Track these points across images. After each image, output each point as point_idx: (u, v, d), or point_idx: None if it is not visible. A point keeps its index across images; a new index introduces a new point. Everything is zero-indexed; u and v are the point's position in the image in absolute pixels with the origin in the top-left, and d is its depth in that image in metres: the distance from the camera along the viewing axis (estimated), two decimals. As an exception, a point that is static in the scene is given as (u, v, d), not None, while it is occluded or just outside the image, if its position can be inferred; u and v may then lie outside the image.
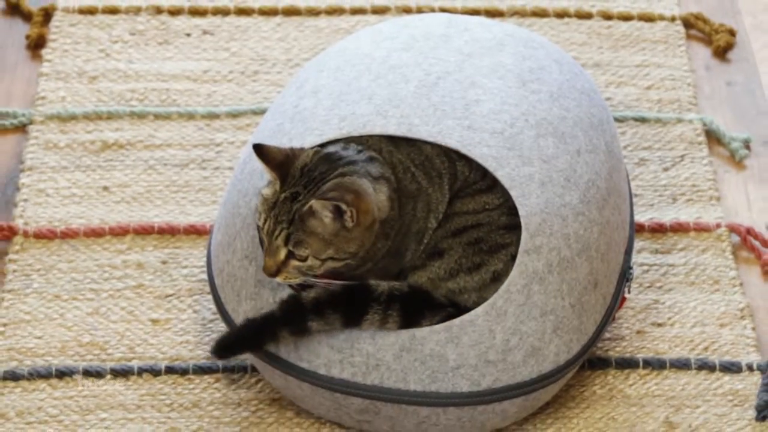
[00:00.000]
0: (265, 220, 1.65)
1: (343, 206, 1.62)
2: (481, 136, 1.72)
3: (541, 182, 1.71)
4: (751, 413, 1.79)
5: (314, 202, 1.63)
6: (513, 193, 1.69)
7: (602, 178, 1.77)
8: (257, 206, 1.67)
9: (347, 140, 1.70)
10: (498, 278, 1.68)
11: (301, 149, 1.68)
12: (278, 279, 1.66)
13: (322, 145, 1.69)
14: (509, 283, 1.67)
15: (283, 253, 1.65)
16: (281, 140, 1.75)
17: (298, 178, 1.65)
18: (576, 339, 1.71)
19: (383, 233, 1.68)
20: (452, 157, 1.71)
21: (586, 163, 1.76)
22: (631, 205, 1.87)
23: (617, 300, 1.78)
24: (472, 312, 1.67)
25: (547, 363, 1.69)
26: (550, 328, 1.69)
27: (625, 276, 1.80)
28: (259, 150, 1.65)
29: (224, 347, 1.69)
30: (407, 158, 1.71)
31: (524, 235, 1.68)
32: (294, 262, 1.65)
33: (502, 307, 1.67)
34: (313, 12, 2.26)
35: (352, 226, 1.64)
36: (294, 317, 1.66)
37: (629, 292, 1.82)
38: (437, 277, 1.69)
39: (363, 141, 1.70)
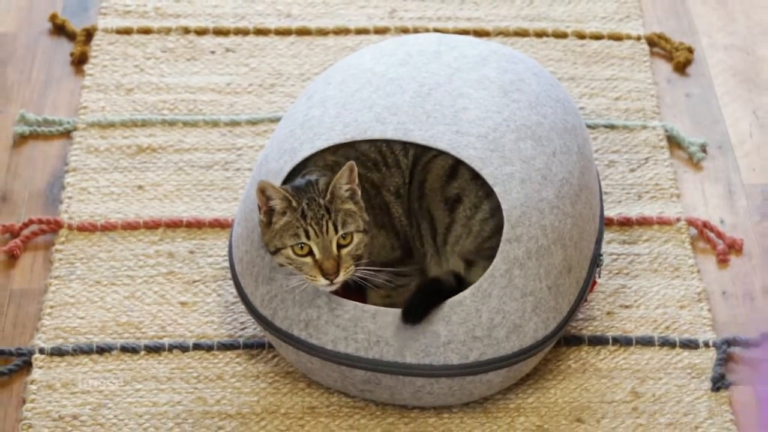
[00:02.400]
0: (306, 231, 1.63)
1: (348, 176, 1.65)
2: (468, 140, 1.71)
3: (521, 180, 1.70)
4: (707, 384, 1.78)
5: (335, 180, 1.63)
6: (496, 189, 1.69)
7: (575, 176, 1.76)
8: (284, 249, 1.65)
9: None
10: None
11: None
12: (340, 276, 1.63)
13: None
14: (493, 268, 1.66)
15: (335, 245, 1.63)
16: (293, 144, 1.75)
17: (296, 195, 1.66)
18: (552, 317, 1.70)
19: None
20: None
21: (560, 163, 1.75)
22: (601, 200, 1.86)
23: (589, 283, 1.78)
24: (461, 294, 1.66)
25: (527, 338, 1.68)
26: (529, 308, 1.68)
27: (595, 262, 1.79)
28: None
29: (414, 314, 1.65)
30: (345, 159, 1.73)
31: (506, 226, 1.67)
32: (345, 251, 1.64)
33: (487, 289, 1.67)
34: (323, 32, 2.25)
35: (357, 195, 1.66)
36: (453, 289, 1.67)
37: (599, 277, 1.82)
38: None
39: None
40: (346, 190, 1.66)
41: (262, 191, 1.65)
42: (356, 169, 1.65)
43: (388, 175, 1.74)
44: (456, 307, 1.66)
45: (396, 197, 1.74)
